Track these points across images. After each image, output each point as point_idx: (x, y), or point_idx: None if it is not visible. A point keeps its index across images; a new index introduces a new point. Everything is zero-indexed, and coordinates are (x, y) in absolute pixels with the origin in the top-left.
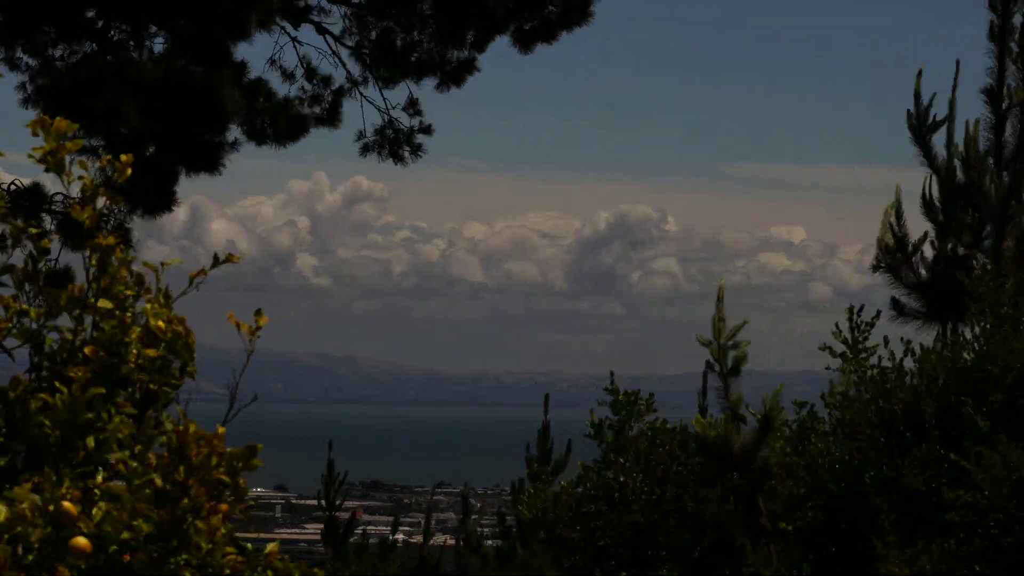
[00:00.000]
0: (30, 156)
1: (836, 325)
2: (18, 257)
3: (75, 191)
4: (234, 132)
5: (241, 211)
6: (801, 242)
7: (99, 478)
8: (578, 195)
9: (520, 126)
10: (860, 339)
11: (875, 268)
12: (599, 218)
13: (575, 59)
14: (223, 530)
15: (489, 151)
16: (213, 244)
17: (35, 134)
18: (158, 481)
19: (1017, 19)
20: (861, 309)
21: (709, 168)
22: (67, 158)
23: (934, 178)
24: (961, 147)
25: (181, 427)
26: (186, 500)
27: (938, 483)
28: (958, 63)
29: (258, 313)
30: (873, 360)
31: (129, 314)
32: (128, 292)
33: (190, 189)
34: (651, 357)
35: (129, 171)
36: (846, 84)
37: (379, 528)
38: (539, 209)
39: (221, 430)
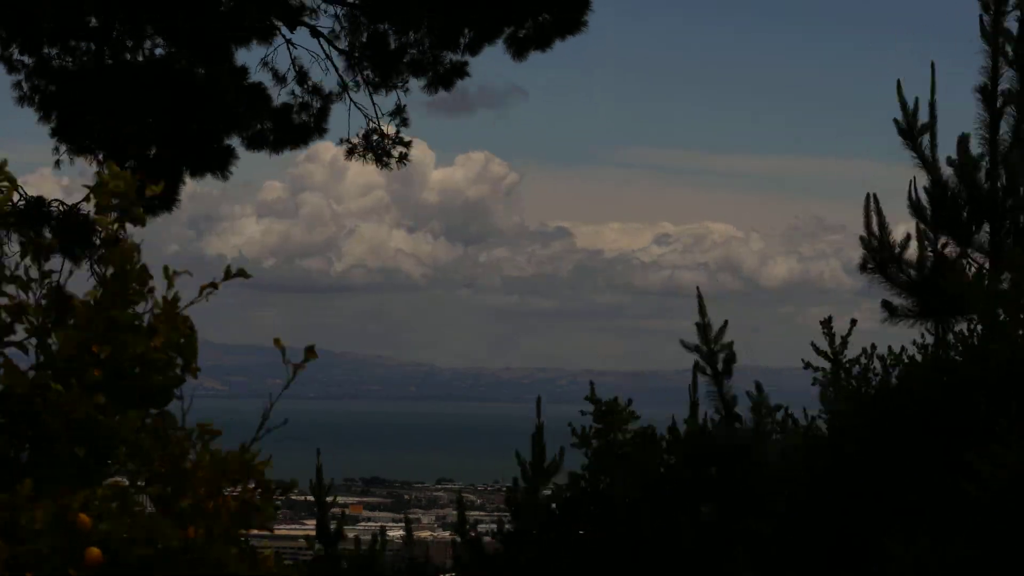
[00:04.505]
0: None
1: (812, 344)
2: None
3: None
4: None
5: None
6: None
7: (104, 481)
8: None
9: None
10: (840, 352)
11: (863, 268)
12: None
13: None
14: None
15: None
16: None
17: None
18: (186, 503)
19: (1011, 18)
20: (829, 320)
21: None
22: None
23: (919, 177)
24: (953, 145)
25: (223, 453)
26: (211, 522)
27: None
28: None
29: (310, 350)
30: (857, 370)
31: (132, 312)
32: (137, 298)
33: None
34: (651, 353)
35: (159, 188)
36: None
37: (378, 524)
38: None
39: (269, 464)
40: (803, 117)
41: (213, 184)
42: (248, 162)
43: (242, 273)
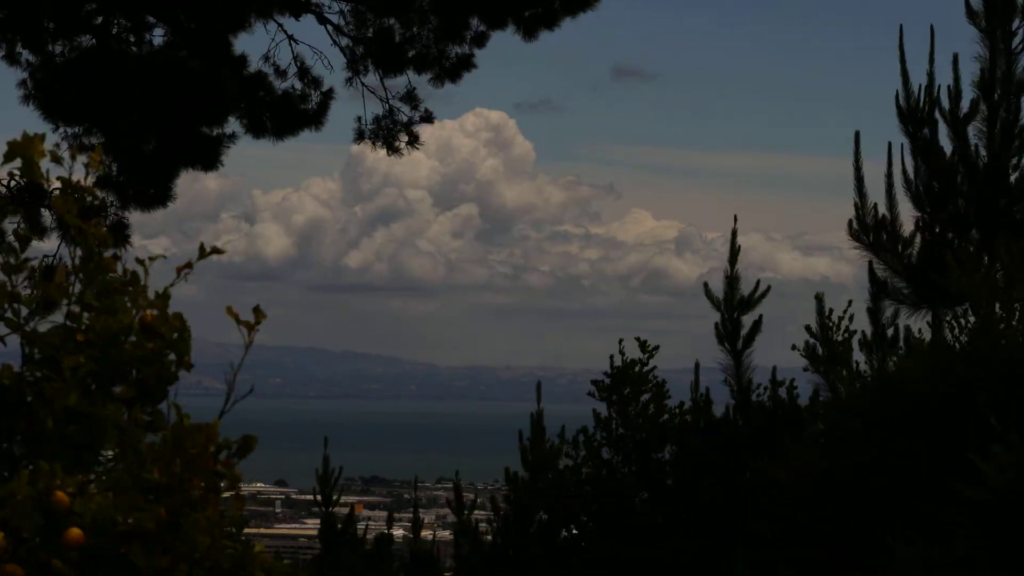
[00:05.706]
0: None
1: (807, 328)
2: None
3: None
4: (233, 125)
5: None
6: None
7: (95, 468)
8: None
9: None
10: (833, 334)
11: (855, 238)
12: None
13: None
14: (219, 524)
15: None
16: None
17: (8, 160)
18: (156, 476)
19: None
20: (821, 297)
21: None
22: (41, 164)
23: (919, 162)
24: (951, 133)
25: (176, 420)
26: (184, 494)
27: (924, 493)
28: (931, 36)
29: (256, 309)
30: (851, 356)
31: (118, 303)
32: (116, 284)
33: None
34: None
35: (100, 166)
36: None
37: (378, 523)
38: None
39: (216, 422)
40: (807, 116)
41: (246, 182)
42: (277, 157)
43: (216, 250)
